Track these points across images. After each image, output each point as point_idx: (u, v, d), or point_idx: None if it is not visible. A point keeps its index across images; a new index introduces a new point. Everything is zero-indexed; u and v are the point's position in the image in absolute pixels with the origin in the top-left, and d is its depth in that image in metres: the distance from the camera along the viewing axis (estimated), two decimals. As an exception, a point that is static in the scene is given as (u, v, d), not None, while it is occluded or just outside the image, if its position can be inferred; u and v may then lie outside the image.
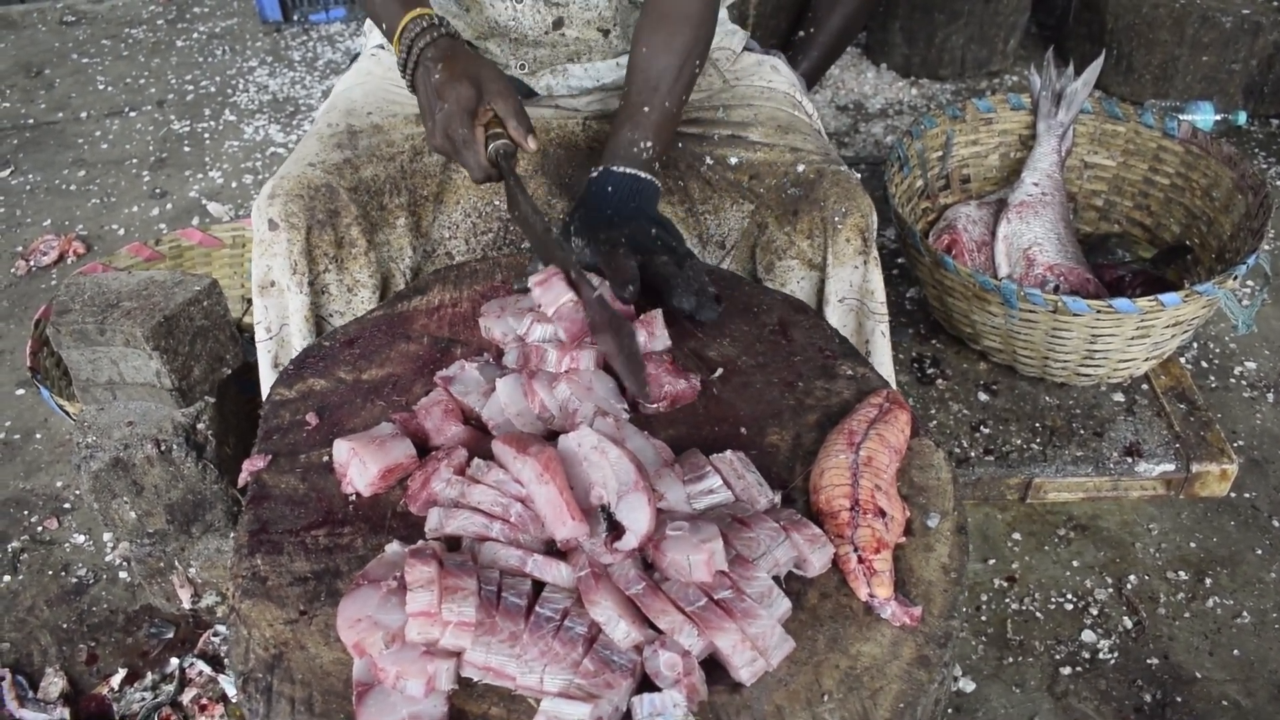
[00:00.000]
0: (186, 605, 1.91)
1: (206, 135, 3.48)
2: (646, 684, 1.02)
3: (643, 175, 1.52)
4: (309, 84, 3.86)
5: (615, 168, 1.52)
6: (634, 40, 1.59)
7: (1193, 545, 2.10)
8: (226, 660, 1.90)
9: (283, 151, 3.37)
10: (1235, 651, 1.90)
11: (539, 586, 1.08)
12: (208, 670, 1.88)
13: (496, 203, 1.74)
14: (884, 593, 1.12)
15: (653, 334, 1.31)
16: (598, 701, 0.97)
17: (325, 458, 1.27)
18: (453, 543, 1.14)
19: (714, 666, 1.05)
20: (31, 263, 2.87)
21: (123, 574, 2.07)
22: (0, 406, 2.48)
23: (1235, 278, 1.92)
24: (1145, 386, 2.16)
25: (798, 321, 1.48)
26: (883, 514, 1.19)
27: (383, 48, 1.91)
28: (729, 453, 1.22)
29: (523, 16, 1.71)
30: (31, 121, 3.61)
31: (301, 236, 1.55)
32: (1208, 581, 2.03)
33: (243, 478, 1.27)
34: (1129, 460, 2.01)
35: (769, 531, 1.12)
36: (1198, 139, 2.33)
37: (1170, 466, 2.01)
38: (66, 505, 2.22)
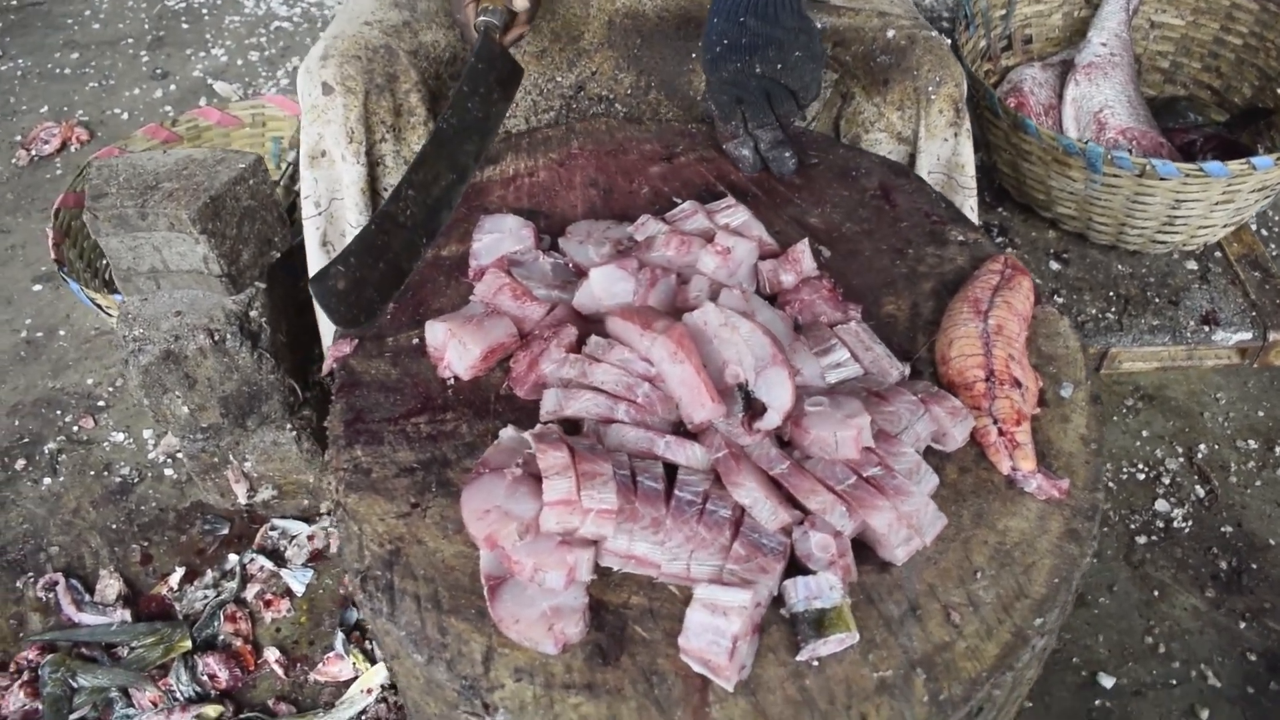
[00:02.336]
0: (242, 500, 1.84)
1: (205, 10, 3.26)
2: (791, 568, 0.97)
3: None
4: (307, -46, 3.62)
5: None
6: None
7: (1261, 414, 2.06)
8: (287, 555, 1.85)
9: (288, 26, 3.17)
10: (1308, 518, 1.89)
11: (668, 470, 1.01)
12: (269, 565, 1.83)
13: (559, 79, 1.61)
14: (1028, 465, 1.07)
15: (799, 269, 1.19)
16: (754, 587, 0.91)
17: (415, 340, 1.18)
18: (569, 425, 1.06)
19: (858, 546, 1.00)
20: (33, 152, 2.70)
21: (168, 471, 2.00)
22: (19, 304, 2.36)
23: (1328, 136, 1.82)
24: (1218, 254, 2.08)
25: (900, 185, 1.39)
26: (1018, 384, 1.12)
27: None
28: (853, 324, 1.14)
29: None
30: (15, 2, 3.37)
31: (359, 102, 1.42)
32: (1278, 450, 2.00)
33: (328, 364, 1.19)
34: (1206, 329, 1.94)
35: (908, 405, 1.05)
36: (1273, -9, 2.19)
37: (1247, 335, 1.95)
38: (100, 403, 2.14)
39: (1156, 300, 1.99)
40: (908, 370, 1.13)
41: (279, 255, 1.62)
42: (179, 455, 2.01)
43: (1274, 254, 2.38)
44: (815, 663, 0.92)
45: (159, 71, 3.01)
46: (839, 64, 1.56)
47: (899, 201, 1.36)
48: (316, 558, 1.86)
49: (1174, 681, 1.67)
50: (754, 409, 1.01)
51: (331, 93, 1.41)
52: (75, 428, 2.09)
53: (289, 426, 1.73)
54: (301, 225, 1.58)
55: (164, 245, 1.50)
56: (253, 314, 1.58)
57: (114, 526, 1.92)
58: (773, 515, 0.95)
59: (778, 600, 0.95)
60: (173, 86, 2.96)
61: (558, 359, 1.08)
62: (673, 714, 0.89)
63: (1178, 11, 2.31)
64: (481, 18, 1.37)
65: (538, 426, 1.02)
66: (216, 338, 1.55)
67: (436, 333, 1.13)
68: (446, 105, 1.31)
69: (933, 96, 1.49)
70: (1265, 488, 1.94)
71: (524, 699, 0.90)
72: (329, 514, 1.91)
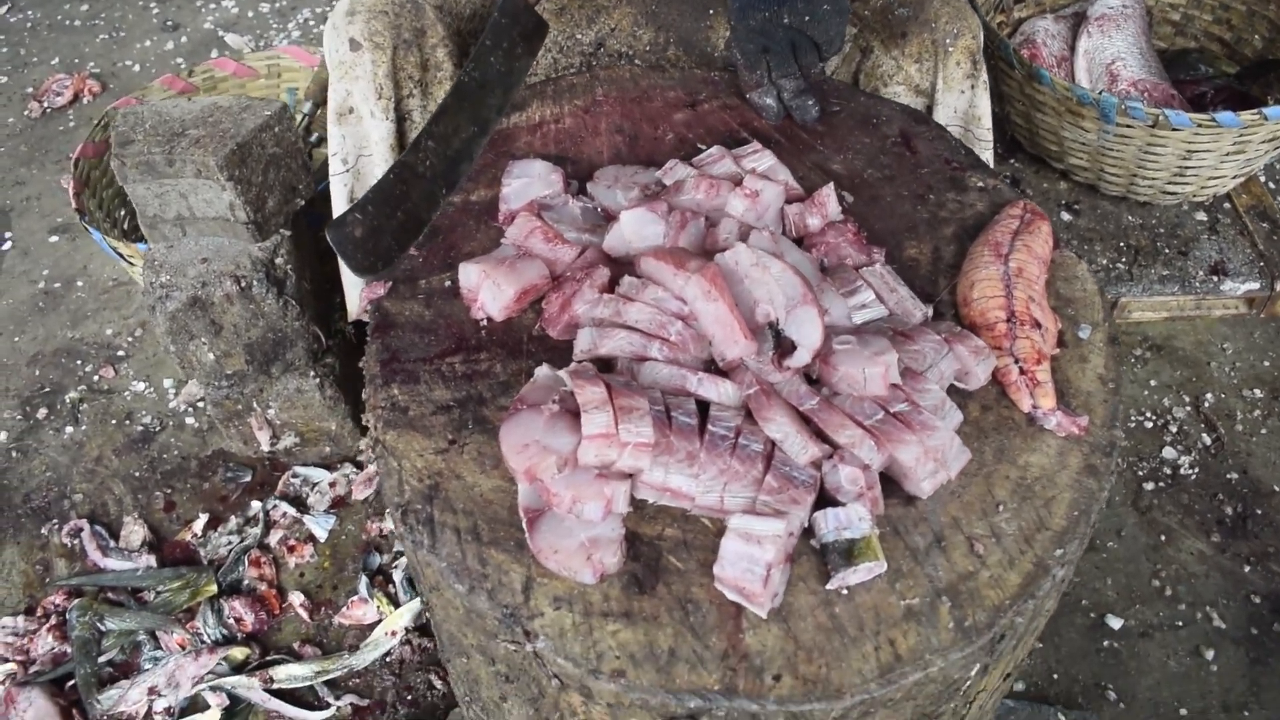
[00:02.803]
0: (265, 447, 1.87)
1: (213, -38, 3.26)
2: (820, 500, 1.00)
3: None
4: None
5: None
6: None
7: (1267, 364, 2.09)
8: (310, 502, 1.89)
9: (297, -22, 3.16)
10: (1312, 465, 1.92)
11: (701, 407, 1.04)
12: (292, 512, 1.86)
13: (578, 36, 1.62)
14: (1048, 403, 1.09)
15: (824, 213, 1.21)
16: (787, 518, 0.94)
17: (447, 282, 1.20)
18: (602, 364, 1.09)
19: (884, 481, 1.03)
20: (45, 104, 2.70)
21: (189, 420, 2.03)
22: (36, 255, 2.38)
23: (1341, 87, 1.84)
24: (1227, 205, 2.10)
25: (920, 132, 1.40)
26: (1038, 325, 1.14)
27: None
28: (878, 266, 1.17)
29: None
30: (18, -47, 3.36)
31: (387, 57, 1.43)
32: (1283, 399, 2.03)
33: (362, 306, 1.21)
34: (1214, 279, 1.97)
35: (933, 344, 1.08)
36: (1287, -59, 2.19)
37: (1255, 285, 1.98)
38: (120, 353, 2.16)
39: (1166, 251, 2.01)
40: (930, 312, 1.15)
41: (303, 203, 1.64)
42: (200, 404, 2.04)
43: (1282, 206, 2.40)
44: (845, 591, 0.95)
45: (169, 23, 3.00)
46: (858, 18, 1.57)
47: (919, 148, 1.38)
48: (338, 504, 1.89)
49: (1180, 623, 1.72)
50: (784, 347, 1.03)
51: (359, 49, 1.42)
52: (96, 377, 2.12)
53: (312, 374, 1.75)
54: (319, 173, 1.59)
55: (190, 192, 1.52)
56: (278, 261, 1.60)
57: (137, 474, 1.96)
58: (803, 449, 0.98)
59: (807, 532, 0.98)
60: (184, 38, 2.95)
61: (591, 299, 1.10)
62: (708, 640, 0.93)
63: (1191, -37, 2.31)
64: None
65: (573, 364, 1.05)
66: (243, 284, 1.57)
67: (470, 274, 1.15)
68: (469, 59, 1.32)
69: (950, 49, 1.50)
70: (1270, 436, 1.97)
71: (563, 626, 0.93)
72: (351, 460, 1.94)
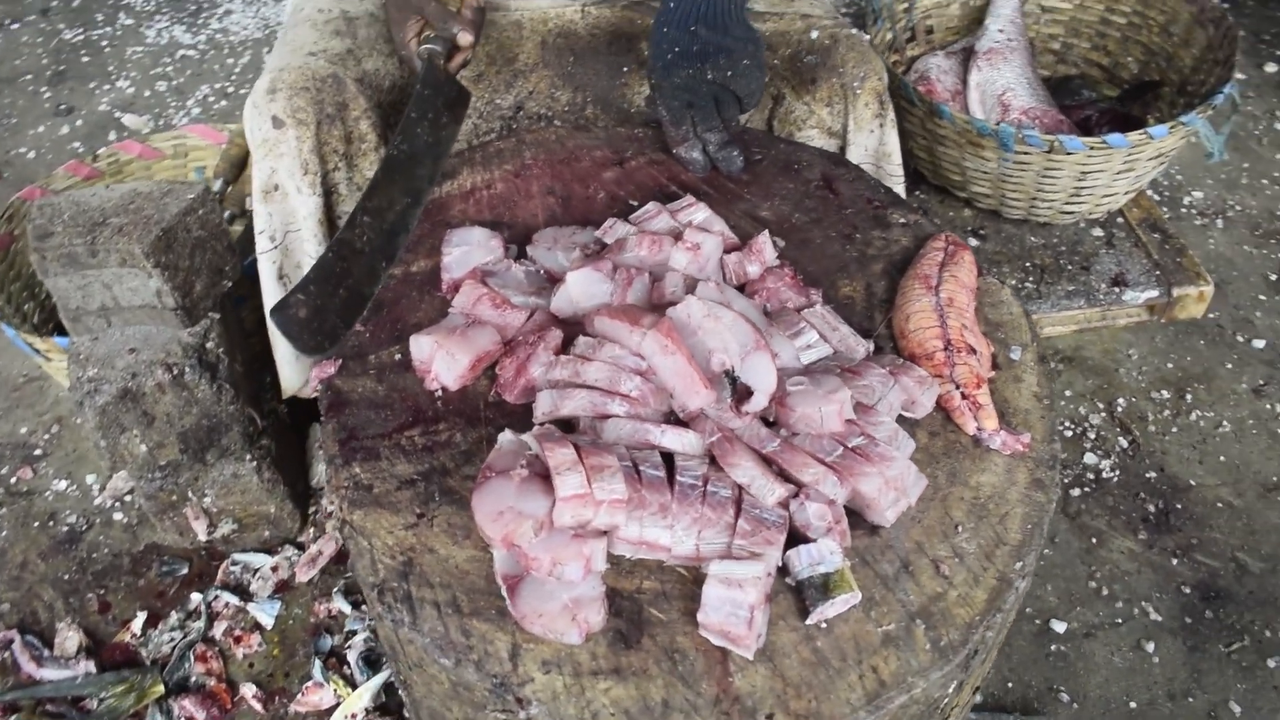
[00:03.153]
0: (202, 537, 1.81)
1: (104, 43, 3.17)
2: (790, 539, 1.03)
3: None
4: (202, -21, 3.55)
5: None
6: None
7: (1170, 366, 2.21)
8: (252, 589, 1.83)
9: (193, 54, 3.11)
10: (1221, 458, 2.03)
11: (666, 459, 1.06)
12: (235, 601, 1.81)
13: (498, 101, 1.64)
14: (991, 424, 1.15)
15: (762, 259, 1.25)
16: (763, 558, 0.96)
17: (397, 355, 1.20)
18: (563, 425, 1.10)
19: (848, 513, 1.06)
20: (-65, 198, 2.60)
21: (117, 515, 1.96)
22: (-63, 356, 2.28)
23: (1214, 108, 1.97)
24: (1120, 220, 2.23)
25: (840, 174, 1.46)
26: (974, 351, 1.20)
27: None
28: (818, 307, 1.21)
29: None
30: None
31: (311, 133, 1.43)
32: (1188, 397, 2.15)
33: (313, 385, 1.20)
34: (1116, 290, 2.08)
35: (879, 377, 1.12)
36: (1150, -27, 2.35)
37: (1154, 293, 2.10)
38: (38, 452, 2.08)
39: (1069, 267, 2.12)
40: (872, 347, 1.20)
41: (230, 284, 1.61)
42: (128, 498, 1.97)
43: (1168, 216, 2.55)
44: (824, 624, 0.98)
45: (63, 107, 2.93)
46: (768, 68, 1.63)
47: (841, 190, 1.44)
48: (283, 588, 1.84)
49: (1119, 620, 1.79)
50: (740, 393, 1.06)
51: (283, 126, 1.42)
52: (13, 479, 2.03)
53: (249, 457, 1.71)
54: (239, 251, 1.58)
55: (115, 282, 1.48)
56: (209, 345, 1.57)
57: (66, 577, 1.87)
58: (770, 491, 1.01)
59: (781, 571, 1.01)
60: (79, 122, 2.88)
61: (547, 361, 1.11)
62: (698, 687, 0.94)
63: (1064, -5, 2.46)
64: (425, 46, 1.40)
65: (536, 428, 1.06)
66: (175, 371, 1.53)
67: (423, 346, 1.15)
68: (396, 132, 1.33)
69: (858, 91, 1.57)
70: (1181, 433, 2.08)
71: (555, 689, 0.94)
72: (292, 541, 1.90)
